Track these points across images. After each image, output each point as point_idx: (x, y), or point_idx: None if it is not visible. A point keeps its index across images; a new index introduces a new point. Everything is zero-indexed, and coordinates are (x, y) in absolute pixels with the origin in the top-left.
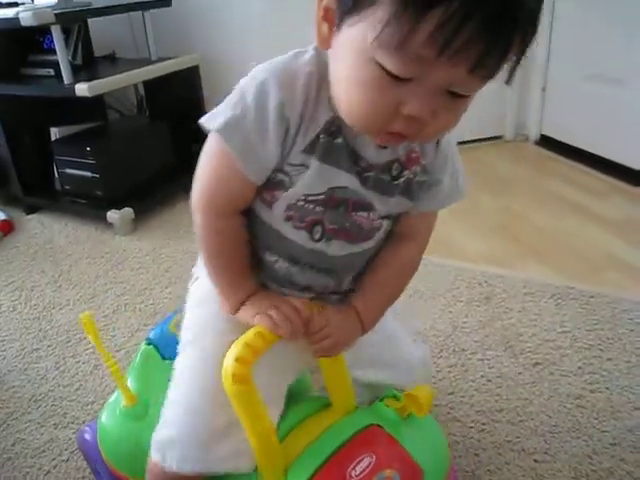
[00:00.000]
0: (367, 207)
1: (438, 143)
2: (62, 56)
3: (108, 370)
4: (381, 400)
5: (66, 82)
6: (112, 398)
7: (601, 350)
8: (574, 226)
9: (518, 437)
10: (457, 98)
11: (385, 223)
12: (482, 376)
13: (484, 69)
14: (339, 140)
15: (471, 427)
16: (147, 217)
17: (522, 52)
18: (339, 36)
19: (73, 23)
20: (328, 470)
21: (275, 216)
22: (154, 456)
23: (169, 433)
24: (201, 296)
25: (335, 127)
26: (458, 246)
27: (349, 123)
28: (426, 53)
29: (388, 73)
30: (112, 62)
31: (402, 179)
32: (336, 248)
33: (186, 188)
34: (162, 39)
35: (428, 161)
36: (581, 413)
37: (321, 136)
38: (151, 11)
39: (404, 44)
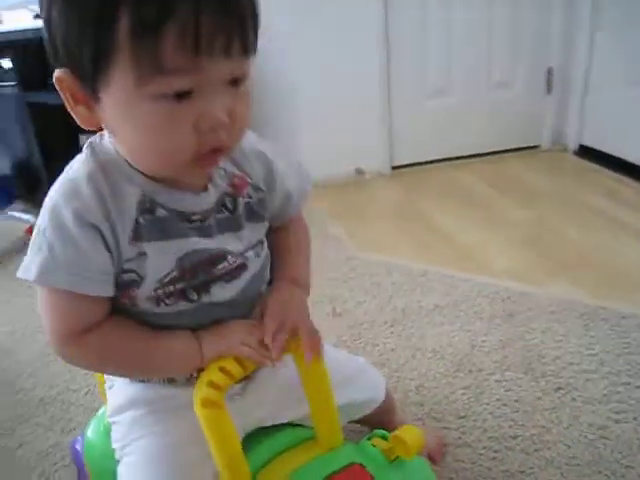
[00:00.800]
0: (222, 256)
1: (258, 159)
2: None
3: (99, 387)
4: (369, 439)
5: None
6: (99, 412)
7: (630, 376)
8: (610, 241)
9: (532, 468)
10: (238, 87)
11: (251, 254)
12: (498, 399)
13: (240, 48)
14: (160, 212)
15: (481, 454)
16: None
17: (258, 16)
18: (103, 106)
19: None
20: None
21: (145, 309)
22: None
23: None
24: (121, 403)
25: (149, 202)
26: (483, 260)
27: (167, 174)
28: (183, 59)
29: (168, 98)
30: None
31: (240, 207)
32: (219, 293)
33: None
34: None
35: (255, 179)
36: (604, 445)
37: (139, 219)
38: None
39: (160, 63)
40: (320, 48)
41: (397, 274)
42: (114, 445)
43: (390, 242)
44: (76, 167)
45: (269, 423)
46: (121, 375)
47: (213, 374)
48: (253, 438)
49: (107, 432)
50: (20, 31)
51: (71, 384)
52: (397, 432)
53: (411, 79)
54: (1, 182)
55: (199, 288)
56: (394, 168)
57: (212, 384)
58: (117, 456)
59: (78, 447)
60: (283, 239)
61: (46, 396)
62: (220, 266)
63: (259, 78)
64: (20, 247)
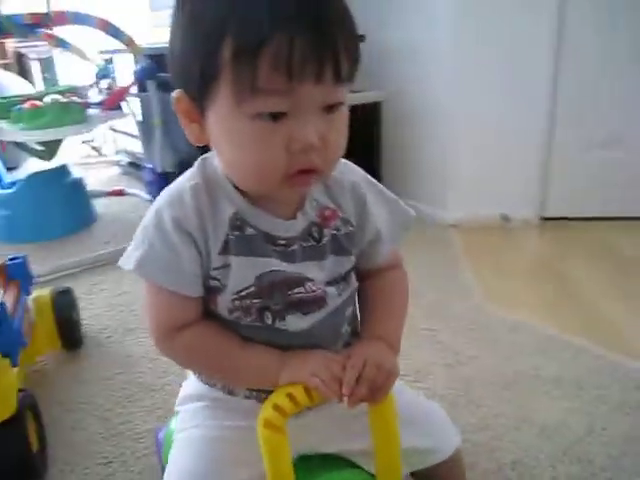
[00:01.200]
0: (299, 282)
1: (353, 192)
2: None
3: None
4: None
5: None
6: None
7: None
8: None
9: None
10: (332, 114)
11: (332, 290)
12: None
13: (332, 75)
14: (249, 231)
15: None
16: None
17: (355, 47)
18: (209, 124)
19: None
20: None
21: (225, 317)
22: None
23: None
24: (187, 395)
25: (240, 221)
26: (625, 337)
27: (260, 191)
28: (277, 82)
29: (263, 118)
30: None
31: (326, 238)
32: (294, 323)
33: None
34: None
35: (347, 212)
36: None
37: (230, 235)
38: None
39: (256, 86)
40: (483, 78)
41: (521, 334)
42: (175, 430)
43: (522, 298)
44: (185, 178)
45: (320, 449)
46: (207, 374)
47: (280, 398)
48: (310, 464)
49: None
50: None
51: (181, 378)
52: None
53: (577, 126)
54: (164, 179)
55: (275, 313)
56: (544, 219)
57: (277, 408)
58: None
59: (160, 436)
60: (376, 290)
61: (156, 383)
62: (296, 290)
63: (414, 99)
64: None
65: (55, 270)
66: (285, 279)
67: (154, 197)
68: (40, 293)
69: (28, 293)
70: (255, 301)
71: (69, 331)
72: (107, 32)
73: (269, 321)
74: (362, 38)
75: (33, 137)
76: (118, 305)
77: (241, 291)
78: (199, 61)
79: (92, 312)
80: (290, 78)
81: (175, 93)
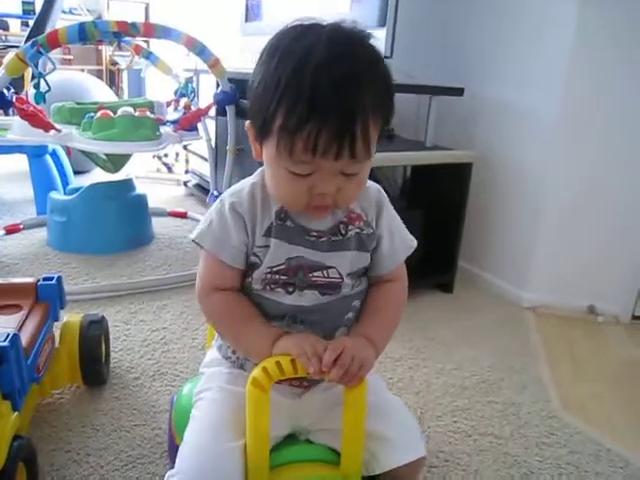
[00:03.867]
0: (320, 267)
1: (377, 206)
2: None
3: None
4: None
5: None
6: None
7: None
8: None
9: None
10: (350, 176)
11: (348, 282)
12: None
13: (348, 156)
14: (288, 223)
15: None
16: None
17: (376, 128)
18: (263, 151)
19: None
20: None
21: (257, 289)
22: None
23: (176, 475)
24: (209, 360)
25: (283, 214)
26: None
27: (284, 206)
28: (306, 157)
29: (293, 173)
30: (389, 138)
31: (351, 233)
32: (309, 299)
33: (430, 283)
34: (441, 126)
35: (370, 217)
36: None
37: (274, 223)
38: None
39: (292, 154)
40: (587, 151)
41: (606, 463)
42: (195, 394)
43: (605, 412)
44: (248, 179)
45: (312, 428)
46: (221, 337)
47: (269, 364)
48: (291, 440)
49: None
50: None
51: None
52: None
53: None
54: None
55: (296, 288)
56: (636, 318)
57: (265, 370)
58: (193, 402)
59: (174, 399)
60: (374, 298)
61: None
62: (316, 274)
63: (506, 164)
64: None
65: (94, 291)
66: (309, 264)
67: None
68: (69, 319)
69: (56, 319)
70: (282, 277)
71: (94, 367)
72: (193, 50)
73: (290, 289)
74: (461, 92)
75: (97, 148)
76: (154, 342)
77: (273, 267)
78: (262, 114)
79: (125, 344)
80: (315, 155)
81: (247, 122)
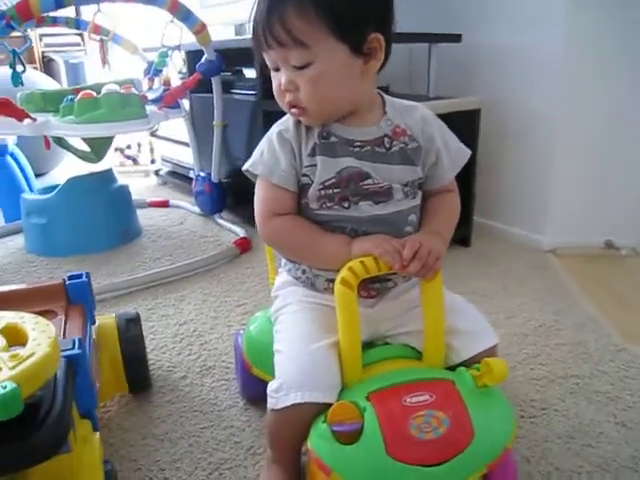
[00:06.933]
0: (367, 176)
1: (423, 122)
2: None
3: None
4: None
5: None
6: (259, 313)
7: None
8: None
9: None
10: (300, 69)
11: (397, 187)
12: None
13: (277, 44)
14: (332, 139)
15: None
16: None
17: (305, 17)
18: None
19: None
20: (390, 391)
21: (313, 208)
22: (269, 405)
23: (277, 381)
24: (282, 282)
25: (326, 132)
26: None
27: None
28: (263, 49)
29: (271, 69)
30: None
31: (395, 148)
32: (365, 210)
33: None
34: (441, 76)
35: (415, 134)
36: None
37: (317, 142)
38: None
39: (258, 49)
40: (597, 86)
41: None
42: (272, 314)
43: None
44: None
45: (389, 333)
46: (292, 257)
47: (355, 264)
48: (375, 345)
49: (268, 329)
50: None
51: None
52: (488, 359)
53: None
54: (219, 189)
55: (351, 201)
56: None
57: (351, 269)
58: (273, 320)
59: (240, 340)
60: (433, 204)
61: (256, 443)
62: (366, 182)
63: (514, 109)
64: (231, 257)
65: (105, 290)
66: (358, 173)
67: (204, 210)
68: (103, 321)
69: (94, 322)
70: (336, 190)
71: (140, 371)
72: (177, 15)
73: (346, 204)
74: (458, 38)
75: (82, 132)
76: (187, 336)
77: (325, 182)
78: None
79: (156, 343)
80: (265, 46)
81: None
